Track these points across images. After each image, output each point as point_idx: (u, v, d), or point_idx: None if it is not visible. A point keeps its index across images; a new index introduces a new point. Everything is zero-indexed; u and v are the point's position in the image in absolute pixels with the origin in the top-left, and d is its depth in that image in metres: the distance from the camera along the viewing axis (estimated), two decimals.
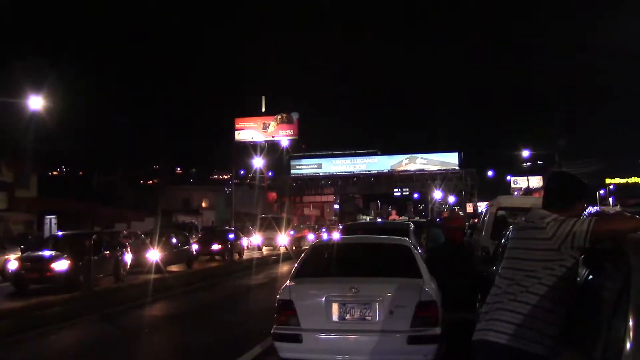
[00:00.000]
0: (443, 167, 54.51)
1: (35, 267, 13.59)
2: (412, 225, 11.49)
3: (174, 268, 19.11)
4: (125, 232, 20.19)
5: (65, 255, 13.76)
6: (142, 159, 58.49)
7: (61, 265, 13.48)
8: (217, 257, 24.01)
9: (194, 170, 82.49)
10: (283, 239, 31.91)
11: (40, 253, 14.38)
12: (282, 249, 29.77)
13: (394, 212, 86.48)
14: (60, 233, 18.22)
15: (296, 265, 6.16)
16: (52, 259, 13.72)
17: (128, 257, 16.42)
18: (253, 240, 32.38)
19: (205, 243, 23.82)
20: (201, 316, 10.90)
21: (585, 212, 3.16)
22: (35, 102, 21.91)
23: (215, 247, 23.89)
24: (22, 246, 18.90)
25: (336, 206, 69.87)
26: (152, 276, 15.78)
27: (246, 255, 27.33)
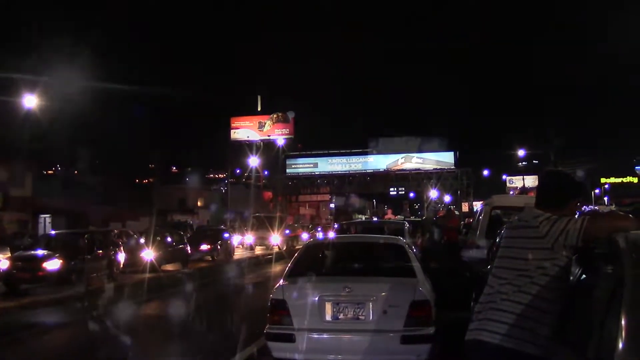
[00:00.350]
0: (439, 167, 54.59)
1: (27, 267, 13.48)
2: (407, 224, 11.51)
3: (169, 267, 19.04)
4: (117, 231, 20.08)
5: (57, 255, 13.67)
6: (138, 158, 58.26)
7: (53, 264, 13.39)
8: (207, 258, 23.73)
9: (189, 169, 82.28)
10: (276, 239, 31.76)
11: (32, 252, 14.30)
12: (276, 249, 29.69)
13: (389, 211, 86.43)
14: (53, 232, 18.13)
15: (289, 264, 6.13)
16: (44, 258, 13.62)
17: (121, 257, 16.34)
18: (245, 239, 32.20)
19: (193, 243, 23.13)
20: (195, 315, 10.84)
21: (579, 211, 3.15)
22: (30, 101, 21.77)
23: (204, 247, 23.60)
24: (9, 247, 18.80)
25: (332, 205, 69.83)
26: (147, 275, 15.71)
27: (239, 255, 27.19)
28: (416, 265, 5.80)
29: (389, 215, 72.96)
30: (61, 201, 33.93)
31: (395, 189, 59.84)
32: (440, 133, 54.24)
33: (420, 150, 54.91)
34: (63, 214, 29.75)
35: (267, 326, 5.46)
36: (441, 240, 14.02)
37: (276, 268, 19.82)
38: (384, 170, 56.11)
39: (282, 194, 56.64)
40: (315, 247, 7.03)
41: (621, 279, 2.17)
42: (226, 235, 26.13)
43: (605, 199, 39.55)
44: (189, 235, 26.65)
